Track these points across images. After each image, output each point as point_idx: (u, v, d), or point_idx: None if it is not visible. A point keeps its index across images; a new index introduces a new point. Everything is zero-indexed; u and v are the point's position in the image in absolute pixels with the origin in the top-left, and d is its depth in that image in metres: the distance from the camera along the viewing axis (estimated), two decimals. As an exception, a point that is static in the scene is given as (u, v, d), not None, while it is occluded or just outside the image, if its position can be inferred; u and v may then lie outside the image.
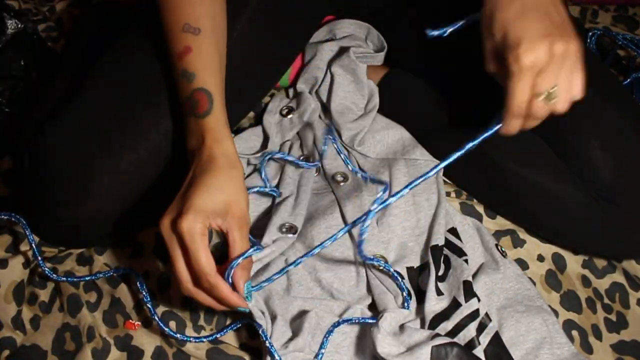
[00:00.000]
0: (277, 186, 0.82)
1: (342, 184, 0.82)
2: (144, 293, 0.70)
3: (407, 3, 0.89)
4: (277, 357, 0.64)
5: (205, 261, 0.60)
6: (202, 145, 0.65)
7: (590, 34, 1.06)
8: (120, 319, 0.72)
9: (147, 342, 0.71)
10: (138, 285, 0.71)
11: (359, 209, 0.78)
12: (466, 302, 0.71)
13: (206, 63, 0.68)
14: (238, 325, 0.72)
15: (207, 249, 0.60)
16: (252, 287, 0.66)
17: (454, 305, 0.71)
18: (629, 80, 0.99)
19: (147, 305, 0.69)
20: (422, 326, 0.71)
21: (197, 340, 0.69)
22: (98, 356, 0.69)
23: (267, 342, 0.65)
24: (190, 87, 0.66)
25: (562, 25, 0.61)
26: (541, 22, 0.60)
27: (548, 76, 0.60)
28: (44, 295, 0.74)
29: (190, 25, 0.67)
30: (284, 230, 0.76)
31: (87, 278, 0.74)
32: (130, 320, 0.72)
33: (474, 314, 0.70)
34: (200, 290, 0.62)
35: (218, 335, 0.70)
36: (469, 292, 0.72)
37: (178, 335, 0.68)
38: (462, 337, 0.69)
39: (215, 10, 0.70)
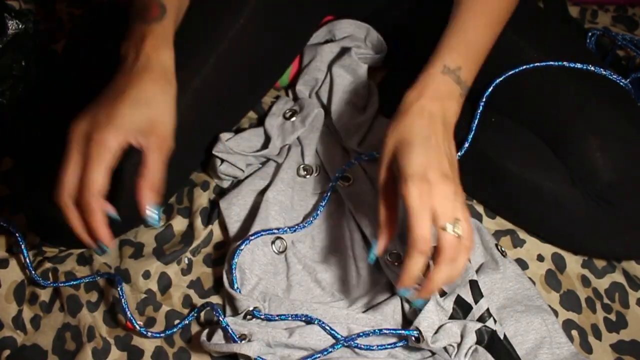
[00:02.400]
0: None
1: (346, 185, 0.82)
2: (120, 294, 0.70)
3: (407, 4, 0.89)
4: None
5: (99, 180, 0.56)
6: (140, 50, 0.61)
7: (590, 34, 1.06)
8: (121, 319, 0.72)
9: (147, 342, 0.71)
10: (118, 289, 0.70)
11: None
12: (476, 303, 0.71)
13: None
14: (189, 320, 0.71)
15: (109, 170, 0.57)
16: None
17: (463, 305, 0.71)
18: (628, 80, 0.99)
19: (125, 309, 0.69)
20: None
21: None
22: (98, 356, 0.69)
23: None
24: None
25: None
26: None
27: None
28: (44, 295, 0.74)
29: None
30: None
31: (71, 283, 0.73)
32: (131, 320, 0.72)
33: (484, 317, 0.70)
34: (72, 207, 0.58)
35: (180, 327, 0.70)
36: (477, 292, 0.72)
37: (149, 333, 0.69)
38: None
39: None
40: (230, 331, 0.66)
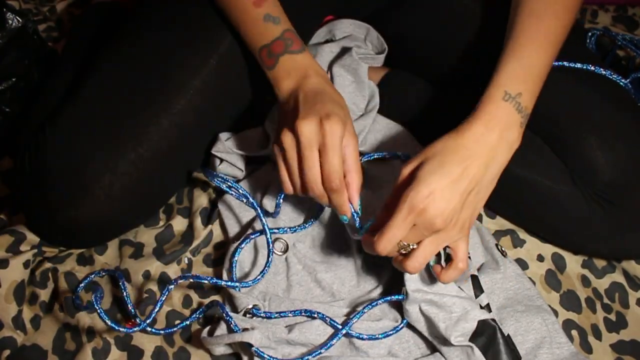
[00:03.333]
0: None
1: None
2: (123, 288, 0.69)
3: (408, 4, 0.89)
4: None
5: (339, 164, 0.63)
6: (308, 75, 0.68)
7: (590, 34, 1.06)
8: (121, 319, 0.72)
9: (147, 342, 0.71)
10: (120, 285, 0.70)
11: None
12: (476, 297, 0.71)
13: (281, 10, 0.72)
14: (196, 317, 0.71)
15: (341, 152, 0.64)
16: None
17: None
18: (628, 80, 0.99)
19: (128, 305, 0.68)
20: None
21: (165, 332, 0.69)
22: (98, 356, 0.69)
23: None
24: (279, 29, 0.70)
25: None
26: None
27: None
28: (44, 295, 0.74)
29: None
30: None
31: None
32: (132, 321, 0.72)
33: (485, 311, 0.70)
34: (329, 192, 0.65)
35: (186, 323, 0.70)
36: (478, 286, 0.72)
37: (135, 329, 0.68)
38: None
39: None
40: (233, 322, 0.67)
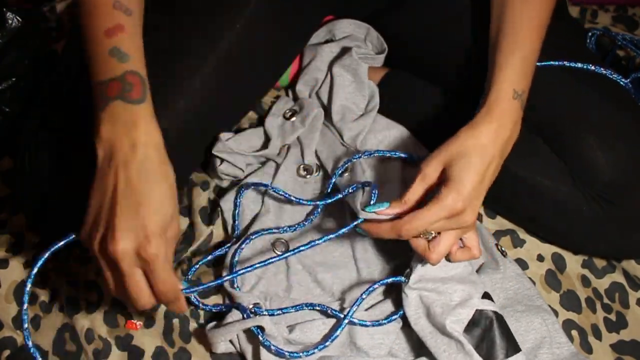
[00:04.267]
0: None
1: (345, 175, 0.82)
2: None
3: (408, 4, 0.89)
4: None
5: (172, 278, 0.58)
6: (134, 137, 0.58)
7: (590, 34, 1.06)
8: (121, 319, 0.72)
9: (147, 342, 0.71)
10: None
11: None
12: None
13: (138, 47, 0.62)
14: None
15: (172, 269, 0.58)
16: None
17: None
18: (628, 80, 0.99)
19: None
20: None
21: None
22: (98, 356, 0.69)
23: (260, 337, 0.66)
24: (122, 68, 0.60)
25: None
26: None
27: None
28: (44, 295, 0.74)
29: (121, 4, 0.61)
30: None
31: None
32: (132, 320, 0.72)
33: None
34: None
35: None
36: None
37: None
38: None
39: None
40: (243, 307, 0.68)
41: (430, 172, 0.65)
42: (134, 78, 0.60)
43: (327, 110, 0.88)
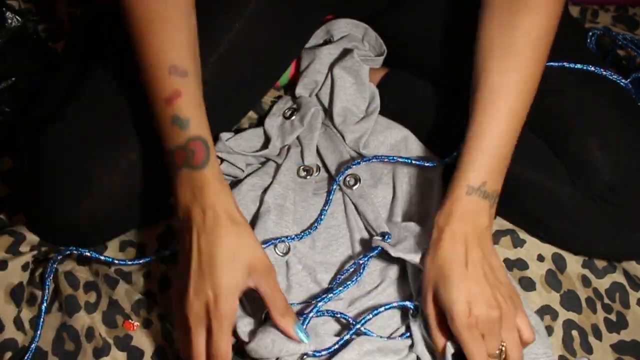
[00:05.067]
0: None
1: (354, 187, 0.81)
2: None
3: (408, 4, 0.89)
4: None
5: (226, 348, 0.60)
6: (203, 202, 0.61)
7: (590, 34, 1.06)
8: (119, 320, 0.72)
9: (147, 342, 0.71)
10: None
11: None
12: None
13: (198, 108, 0.63)
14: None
15: (230, 333, 0.61)
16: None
17: None
18: (628, 80, 0.99)
19: None
20: None
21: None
22: (98, 356, 0.69)
23: None
24: (184, 135, 0.62)
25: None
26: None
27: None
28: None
29: (177, 67, 0.62)
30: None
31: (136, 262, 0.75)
32: (130, 320, 0.72)
33: None
34: None
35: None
36: None
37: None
38: None
39: (197, 51, 0.66)
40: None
41: (431, 311, 0.65)
42: (195, 144, 0.62)
43: (327, 112, 0.88)
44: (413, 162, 0.81)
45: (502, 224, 0.83)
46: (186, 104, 0.62)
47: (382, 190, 0.83)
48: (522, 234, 0.82)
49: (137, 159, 0.72)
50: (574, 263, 0.80)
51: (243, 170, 0.83)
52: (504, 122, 0.66)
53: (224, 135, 0.82)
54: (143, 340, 0.71)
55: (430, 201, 0.80)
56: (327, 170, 0.85)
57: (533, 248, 0.81)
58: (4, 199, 0.83)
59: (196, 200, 0.61)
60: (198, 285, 0.60)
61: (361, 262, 0.74)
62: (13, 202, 0.82)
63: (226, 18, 0.77)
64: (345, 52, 0.90)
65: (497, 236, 0.81)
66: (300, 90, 0.91)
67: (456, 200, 0.66)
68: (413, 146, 0.86)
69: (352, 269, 0.74)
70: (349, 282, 0.73)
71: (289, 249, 0.76)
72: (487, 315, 0.61)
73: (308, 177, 0.84)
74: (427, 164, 0.80)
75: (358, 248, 0.78)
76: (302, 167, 0.84)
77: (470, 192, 0.66)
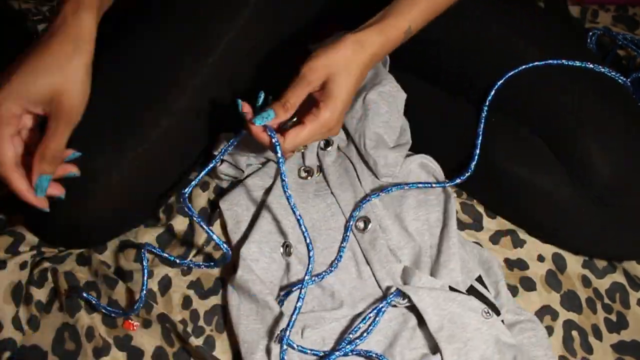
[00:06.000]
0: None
1: (365, 231, 0.78)
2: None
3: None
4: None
5: (5, 151, 0.57)
6: (60, 12, 0.58)
7: (591, 34, 1.06)
8: (119, 320, 0.72)
9: (147, 342, 0.71)
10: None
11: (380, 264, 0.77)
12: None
13: None
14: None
15: (9, 138, 0.57)
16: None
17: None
18: (628, 80, 0.99)
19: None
20: None
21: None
22: (98, 356, 0.69)
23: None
24: None
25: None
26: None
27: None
28: (41, 295, 0.74)
29: None
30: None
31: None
32: (129, 320, 0.72)
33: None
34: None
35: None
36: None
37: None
38: None
39: None
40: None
41: (314, 80, 0.66)
42: None
43: (348, 136, 0.85)
44: (433, 185, 0.80)
45: (503, 224, 0.83)
46: None
47: (396, 227, 0.79)
48: (522, 234, 0.82)
49: (137, 159, 0.72)
50: (574, 263, 0.80)
51: (243, 171, 0.83)
52: None
53: (225, 136, 0.81)
54: (143, 340, 0.71)
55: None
56: (339, 207, 0.81)
57: (533, 248, 0.81)
58: (4, 199, 0.83)
59: (58, 10, 0.59)
60: None
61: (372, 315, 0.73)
62: (12, 202, 0.82)
63: (225, 18, 0.77)
64: (376, 74, 0.88)
65: (497, 236, 0.81)
66: None
67: (395, 30, 0.70)
68: (424, 170, 0.84)
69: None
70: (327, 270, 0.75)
71: (291, 250, 0.76)
72: (335, 128, 0.68)
73: (309, 177, 0.83)
74: (446, 184, 0.80)
75: (358, 250, 0.78)
76: (302, 168, 0.84)
77: (407, 33, 0.71)
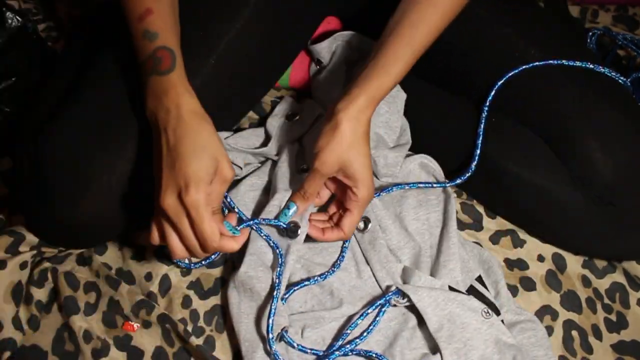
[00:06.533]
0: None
1: (365, 231, 0.78)
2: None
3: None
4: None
5: (214, 228, 0.63)
6: (168, 103, 0.64)
7: (591, 34, 1.06)
8: (119, 320, 0.72)
9: (147, 342, 0.71)
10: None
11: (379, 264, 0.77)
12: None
13: (167, 23, 0.68)
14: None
15: (211, 216, 0.63)
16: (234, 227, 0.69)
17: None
18: (628, 80, 0.99)
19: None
20: None
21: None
22: (98, 356, 0.69)
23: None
24: (152, 46, 0.67)
25: None
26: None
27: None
28: (41, 295, 0.74)
29: None
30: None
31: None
32: (129, 322, 0.72)
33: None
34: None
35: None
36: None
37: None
38: None
39: None
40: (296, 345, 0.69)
41: (328, 172, 0.69)
42: (162, 52, 0.66)
43: None
44: (434, 185, 0.80)
45: (503, 224, 0.83)
46: (156, 19, 0.68)
47: (396, 227, 0.78)
48: (522, 234, 0.82)
49: (136, 159, 0.72)
50: (574, 263, 0.80)
51: (241, 168, 0.83)
52: (431, 36, 0.73)
53: (223, 134, 0.82)
54: (143, 340, 0.71)
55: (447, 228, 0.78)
56: None
57: (533, 248, 0.81)
58: (4, 199, 0.83)
59: (161, 102, 0.65)
60: (169, 178, 0.63)
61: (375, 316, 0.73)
62: (13, 202, 0.82)
63: (225, 18, 0.77)
64: None
65: (497, 236, 0.81)
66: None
67: (383, 93, 0.70)
68: (424, 170, 0.84)
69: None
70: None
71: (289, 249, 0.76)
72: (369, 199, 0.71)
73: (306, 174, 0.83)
74: (446, 184, 0.80)
75: (358, 250, 0.78)
76: (302, 167, 0.84)
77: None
